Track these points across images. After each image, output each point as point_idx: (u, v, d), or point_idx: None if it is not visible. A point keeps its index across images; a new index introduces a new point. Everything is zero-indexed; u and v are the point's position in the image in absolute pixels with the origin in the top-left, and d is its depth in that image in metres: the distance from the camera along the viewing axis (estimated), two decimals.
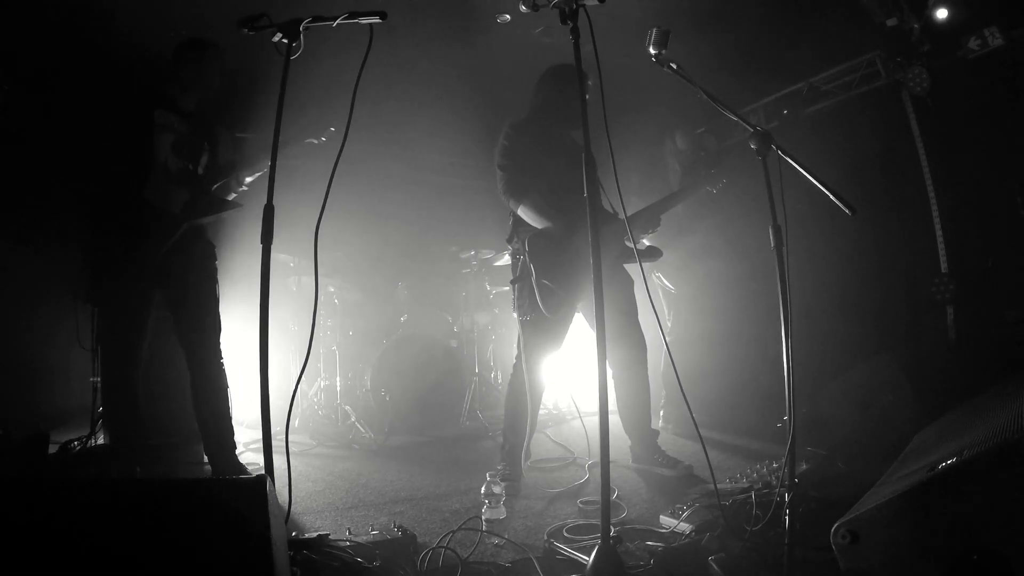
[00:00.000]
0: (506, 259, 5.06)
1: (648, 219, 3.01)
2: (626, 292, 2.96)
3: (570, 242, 2.72)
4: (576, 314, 2.97)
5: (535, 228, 2.81)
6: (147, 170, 2.63)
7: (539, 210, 2.79)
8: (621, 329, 2.90)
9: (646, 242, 3.29)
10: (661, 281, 4.13)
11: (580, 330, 3.14)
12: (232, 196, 2.89)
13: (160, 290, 2.74)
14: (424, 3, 3.93)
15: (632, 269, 3.70)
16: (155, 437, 3.02)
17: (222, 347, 2.83)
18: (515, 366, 2.96)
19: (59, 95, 4.24)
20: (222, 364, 2.80)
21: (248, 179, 2.88)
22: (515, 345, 3.00)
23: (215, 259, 2.92)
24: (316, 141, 2.88)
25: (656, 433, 3.04)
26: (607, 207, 2.92)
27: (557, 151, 2.89)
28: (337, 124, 2.83)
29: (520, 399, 2.88)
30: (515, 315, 2.92)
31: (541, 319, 2.77)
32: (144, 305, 2.70)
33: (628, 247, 2.92)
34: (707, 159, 4.07)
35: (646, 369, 3.00)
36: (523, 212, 2.83)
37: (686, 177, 3.64)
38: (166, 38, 2.86)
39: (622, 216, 2.98)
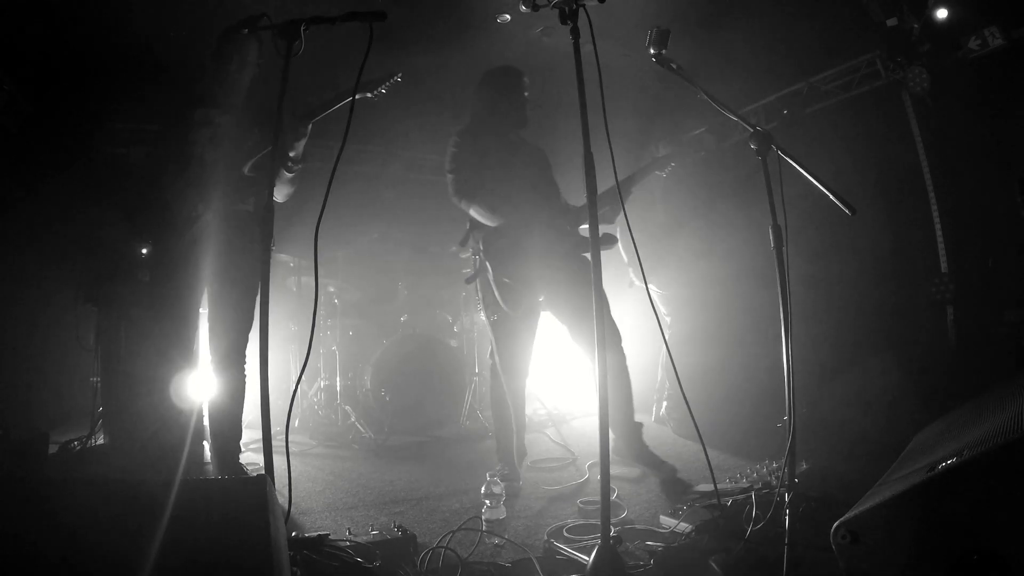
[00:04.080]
0: None
1: (608, 205, 2.99)
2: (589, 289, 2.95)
3: (523, 238, 2.78)
4: (544, 312, 3.01)
5: (488, 228, 2.86)
6: (183, 168, 2.55)
7: (490, 208, 2.83)
8: (587, 325, 2.87)
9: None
10: (640, 283, 4.15)
11: (558, 328, 3.14)
12: (290, 175, 2.62)
13: (190, 282, 2.56)
14: (424, 3, 3.93)
15: (631, 270, 3.69)
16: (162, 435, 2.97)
17: (247, 350, 2.67)
18: (491, 368, 3.00)
19: (60, 97, 4.25)
20: (244, 368, 2.66)
21: (292, 152, 2.58)
22: (489, 347, 3.03)
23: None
24: (372, 95, 2.48)
25: (640, 425, 2.96)
26: (561, 202, 3.02)
27: (504, 152, 2.94)
28: (340, 124, 2.73)
29: (501, 400, 2.92)
30: (483, 317, 2.96)
31: (506, 317, 2.82)
32: (159, 298, 2.59)
33: (584, 237, 2.96)
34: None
35: (623, 357, 2.93)
36: (475, 212, 2.87)
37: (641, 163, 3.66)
38: (165, 38, 2.86)
39: (574, 207, 3.03)
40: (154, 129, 2.73)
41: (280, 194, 2.69)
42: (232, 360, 2.63)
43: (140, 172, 2.67)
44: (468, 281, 2.96)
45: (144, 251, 3.02)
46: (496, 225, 2.84)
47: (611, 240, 2.93)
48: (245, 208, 2.66)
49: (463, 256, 4.91)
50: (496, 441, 2.98)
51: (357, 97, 2.41)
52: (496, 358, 2.95)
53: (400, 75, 2.47)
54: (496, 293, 2.78)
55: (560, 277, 2.86)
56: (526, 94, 3.00)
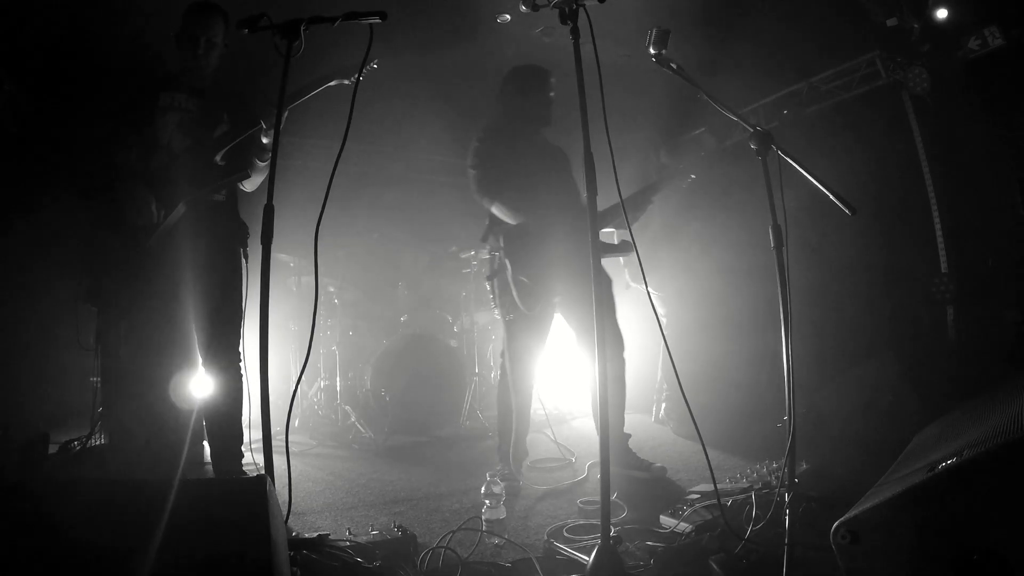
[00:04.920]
0: None
1: (626, 211, 2.98)
2: (604, 289, 2.95)
3: (544, 237, 2.76)
4: (555, 313, 2.99)
5: (510, 225, 2.84)
6: (147, 156, 2.46)
7: (512, 206, 2.82)
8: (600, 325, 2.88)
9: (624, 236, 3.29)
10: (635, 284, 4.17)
11: (560, 329, 3.14)
12: (263, 164, 2.52)
13: (163, 278, 2.47)
14: (424, 3, 3.93)
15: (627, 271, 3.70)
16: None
17: (241, 347, 2.56)
18: (501, 366, 2.99)
19: (60, 96, 4.25)
20: (239, 366, 2.56)
21: (266, 140, 2.47)
22: (501, 345, 3.02)
23: (242, 244, 2.62)
24: (348, 81, 2.36)
25: (628, 436, 3.00)
26: (582, 204, 2.93)
27: (528, 151, 2.93)
28: (339, 124, 2.66)
29: (507, 399, 2.90)
30: (497, 315, 2.95)
31: (522, 317, 2.80)
32: (147, 296, 2.50)
33: (603, 242, 2.95)
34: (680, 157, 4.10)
35: (623, 370, 2.97)
36: (496, 209, 2.86)
37: (660, 173, 3.67)
38: (167, 37, 2.84)
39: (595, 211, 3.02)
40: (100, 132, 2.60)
41: (250, 184, 2.63)
42: (219, 357, 2.51)
43: (95, 163, 2.55)
44: (488, 279, 2.94)
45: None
46: (517, 223, 2.82)
47: (628, 247, 2.92)
48: (217, 198, 2.58)
49: (483, 256, 4.90)
50: (499, 439, 2.96)
51: (333, 84, 2.38)
52: (507, 357, 2.93)
53: (376, 61, 2.37)
54: (514, 292, 2.76)
55: (576, 280, 2.84)
56: (552, 94, 2.99)
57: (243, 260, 2.61)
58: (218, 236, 2.55)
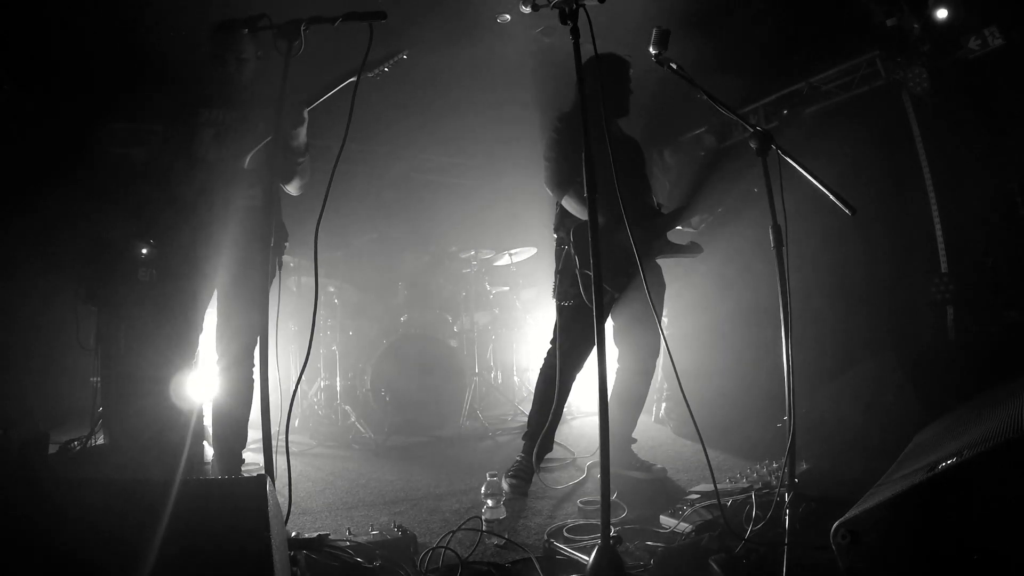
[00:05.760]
0: (506, 259, 5.09)
1: (701, 210, 2.95)
2: (656, 296, 2.91)
3: (613, 235, 2.68)
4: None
5: (580, 220, 2.80)
6: (189, 168, 2.55)
7: (583, 200, 2.77)
8: (639, 329, 2.88)
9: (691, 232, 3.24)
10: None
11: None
12: (297, 166, 2.57)
13: (196, 282, 2.53)
14: (424, 3, 3.93)
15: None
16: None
17: (256, 351, 2.53)
18: (549, 352, 2.92)
19: (61, 96, 4.25)
20: (251, 370, 2.60)
21: (294, 142, 2.49)
22: (551, 331, 2.96)
23: (278, 251, 2.64)
24: (372, 74, 2.29)
25: (634, 441, 3.01)
26: (651, 202, 2.97)
27: (602, 143, 2.87)
28: (342, 126, 2.64)
29: (549, 386, 2.83)
30: (554, 300, 2.88)
31: (583, 307, 2.75)
32: (167, 300, 2.56)
33: (667, 241, 2.91)
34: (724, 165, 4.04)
35: (649, 381, 2.97)
36: (567, 202, 2.82)
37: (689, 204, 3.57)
38: (167, 37, 2.85)
39: (666, 211, 3.00)
40: (156, 129, 2.70)
41: (292, 188, 2.67)
42: (243, 362, 2.56)
43: (146, 174, 2.65)
44: (557, 273, 2.89)
45: (144, 251, 3.01)
46: (587, 219, 2.80)
47: (697, 248, 2.89)
48: (254, 203, 2.60)
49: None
50: (528, 427, 2.90)
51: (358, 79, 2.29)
52: (558, 344, 2.85)
53: (407, 52, 2.34)
54: (580, 285, 2.74)
55: (632, 280, 2.81)
56: (630, 84, 2.96)
57: (277, 267, 2.56)
58: (251, 241, 2.55)
